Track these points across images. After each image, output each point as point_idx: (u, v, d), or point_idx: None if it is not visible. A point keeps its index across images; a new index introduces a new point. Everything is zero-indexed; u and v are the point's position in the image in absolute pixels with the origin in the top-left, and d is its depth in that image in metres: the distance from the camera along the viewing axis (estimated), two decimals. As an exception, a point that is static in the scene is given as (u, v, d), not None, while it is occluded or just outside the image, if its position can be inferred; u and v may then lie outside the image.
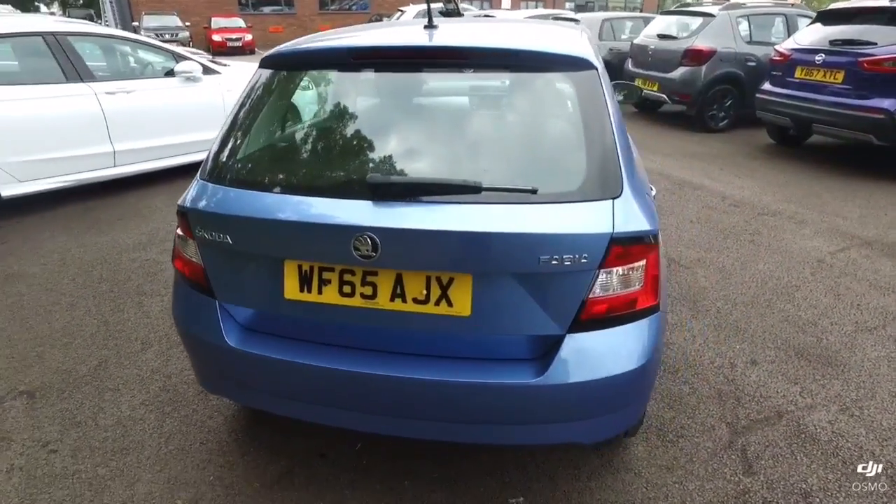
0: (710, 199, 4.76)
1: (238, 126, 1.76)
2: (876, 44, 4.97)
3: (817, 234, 3.98)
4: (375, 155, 1.63)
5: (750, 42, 6.90)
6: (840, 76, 5.16)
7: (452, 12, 11.45)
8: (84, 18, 29.50)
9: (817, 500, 1.88)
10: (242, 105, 1.80)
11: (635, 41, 7.68)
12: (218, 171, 1.68)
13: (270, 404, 1.77)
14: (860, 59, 4.99)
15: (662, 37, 7.34)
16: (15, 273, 3.58)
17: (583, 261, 1.42)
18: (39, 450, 2.15)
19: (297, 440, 2.14)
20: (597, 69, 1.68)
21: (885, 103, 4.81)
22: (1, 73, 4.49)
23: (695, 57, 6.74)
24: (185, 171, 5.15)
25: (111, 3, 22.21)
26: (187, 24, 20.52)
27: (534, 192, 1.43)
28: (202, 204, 1.63)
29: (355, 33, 2.03)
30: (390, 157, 1.59)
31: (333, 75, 1.85)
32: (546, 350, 1.50)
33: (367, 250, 1.42)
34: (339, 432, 2.01)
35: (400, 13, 14.79)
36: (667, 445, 2.10)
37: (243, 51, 20.21)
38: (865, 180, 5.21)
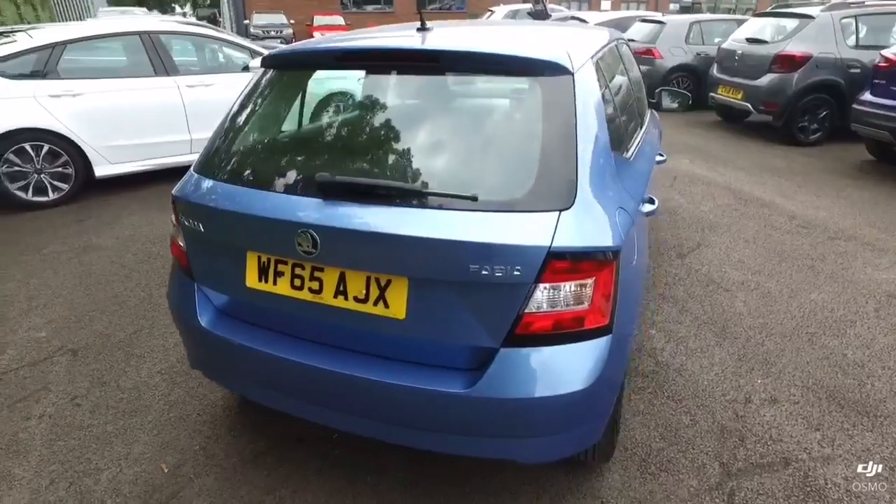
0: (776, 218, 4.35)
1: (229, 122, 1.87)
2: None
3: (897, 266, 3.53)
4: (333, 154, 1.67)
5: (857, 46, 6.18)
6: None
7: (540, 13, 11.41)
8: (208, 17, 32.34)
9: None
10: (239, 102, 1.92)
11: (723, 45, 7.15)
12: (205, 165, 1.81)
13: (231, 384, 1.88)
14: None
15: (752, 41, 6.77)
16: (92, 245, 4.03)
17: (515, 273, 1.37)
18: (68, 402, 2.42)
19: (280, 423, 2.25)
20: (572, 74, 1.61)
21: None
22: (101, 67, 5.05)
23: (785, 63, 6.15)
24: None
25: (229, 3, 24.16)
26: (292, 21, 21.83)
27: (473, 199, 1.41)
28: (186, 193, 1.76)
29: (353, 36, 2.08)
30: (346, 157, 1.63)
31: (317, 76, 1.92)
32: (482, 362, 1.47)
33: (308, 247, 1.47)
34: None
35: (490, 13, 14.80)
36: (646, 478, 1.98)
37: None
38: (979, 208, 4.53)
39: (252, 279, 1.66)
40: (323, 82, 1.92)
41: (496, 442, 1.54)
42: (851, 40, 6.21)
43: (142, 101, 4.99)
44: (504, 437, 1.52)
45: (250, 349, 1.68)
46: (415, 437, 1.61)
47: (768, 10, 7.42)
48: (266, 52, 5.87)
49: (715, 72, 7.22)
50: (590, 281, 1.43)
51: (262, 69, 1.95)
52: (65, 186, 4.81)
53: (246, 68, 5.61)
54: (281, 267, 1.60)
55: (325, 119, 1.80)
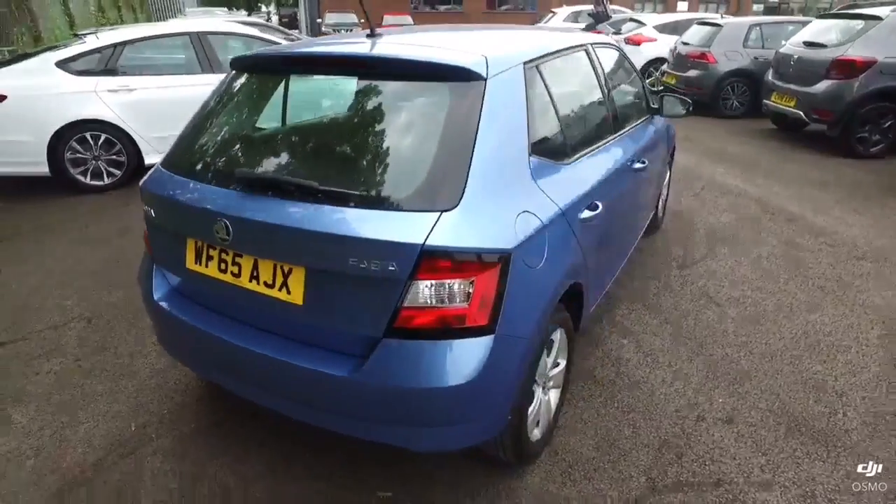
0: (800, 233, 4.09)
1: (194, 119, 2.06)
2: None
3: (924, 293, 3.23)
4: (259, 152, 1.81)
5: (935, 52, 5.62)
6: None
7: (601, 15, 11.31)
8: (291, 16, 33.97)
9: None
10: (205, 101, 2.11)
11: (780, 49, 6.71)
12: (167, 159, 2.00)
13: (179, 356, 2.07)
14: None
15: (809, 44, 6.31)
16: (129, 227, 4.44)
17: (391, 269, 1.45)
18: (72, 363, 2.73)
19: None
20: (485, 80, 1.66)
21: None
22: (154, 65, 5.52)
23: (844, 68, 5.70)
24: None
25: (305, 2, 25.29)
26: (362, 20, 22.53)
27: (359, 197, 1.50)
28: (146, 184, 1.96)
29: (310, 42, 2.22)
30: (269, 154, 1.76)
31: (266, 78, 2.06)
32: (368, 350, 1.56)
33: (224, 234, 1.62)
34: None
35: (551, 14, 14.66)
36: (566, 483, 1.98)
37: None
38: None
39: (190, 261, 1.83)
40: (267, 84, 2.05)
41: (383, 427, 1.62)
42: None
43: (189, 95, 5.35)
44: (389, 423, 1.60)
45: (189, 324, 1.85)
46: (314, 415, 1.72)
47: (833, 10, 6.89)
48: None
49: (770, 77, 6.80)
50: (468, 280, 1.48)
51: (231, 70, 2.13)
52: (118, 172, 5.30)
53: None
54: (211, 252, 1.76)
55: (264, 119, 1.95)
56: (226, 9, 20.66)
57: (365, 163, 1.67)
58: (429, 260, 1.44)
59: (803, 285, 3.34)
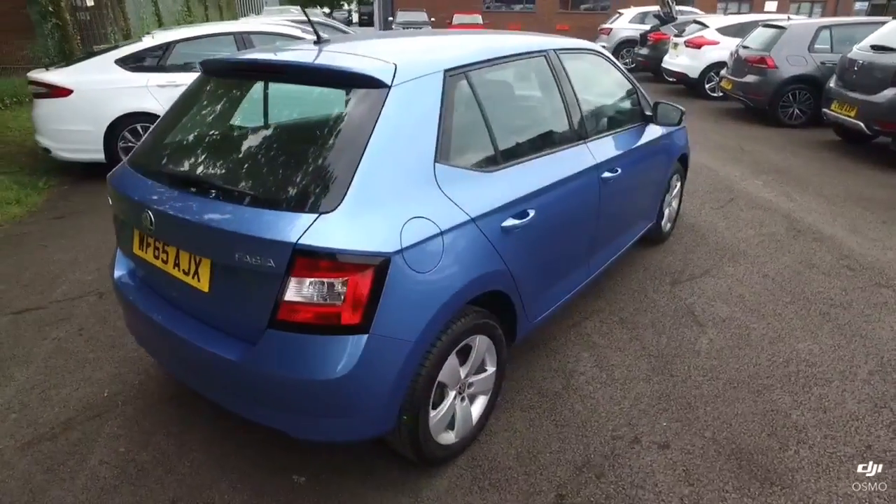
0: (822, 255, 3.77)
1: (161, 117, 2.24)
2: None
3: (949, 329, 2.90)
4: (187, 150, 1.95)
5: None
6: None
7: (667, 16, 11.03)
8: (369, 14, 35.00)
9: None
10: (176, 99, 2.29)
11: (847, 54, 6.13)
12: (132, 154, 2.20)
13: (130, 330, 2.26)
14: None
15: (878, 48, 5.73)
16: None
17: (269, 265, 1.54)
18: (75, 332, 3.04)
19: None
20: (388, 88, 1.70)
21: None
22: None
23: (912, 76, 5.15)
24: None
25: (379, 0, 25.97)
26: (432, 19, 22.82)
27: (254, 196, 1.60)
28: (111, 176, 2.16)
29: (258, 49, 2.33)
30: (193, 153, 1.90)
31: (217, 82, 2.19)
32: (257, 338, 1.66)
33: (149, 224, 1.78)
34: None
35: (618, 15, 14.21)
36: (472, 490, 1.99)
37: (475, 46, 21.66)
38: None
39: (136, 247, 2.01)
40: (219, 88, 2.19)
41: (267, 411, 1.72)
42: None
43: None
44: (272, 407, 1.70)
45: (133, 303, 2.04)
46: (214, 393, 1.86)
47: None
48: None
49: (831, 84, 6.25)
50: (342, 280, 1.54)
51: (200, 74, 2.30)
52: (164, 161, 5.76)
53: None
54: (149, 239, 1.93)
55: (204, 121, 2.08)
56: (299, 7, 21.57)
57: (264, 164, 1.78)
58: (302, 259, 1.52)
59: (804, 310, 3.10)
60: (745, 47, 7.83)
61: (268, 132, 1.86)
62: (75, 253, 4.01)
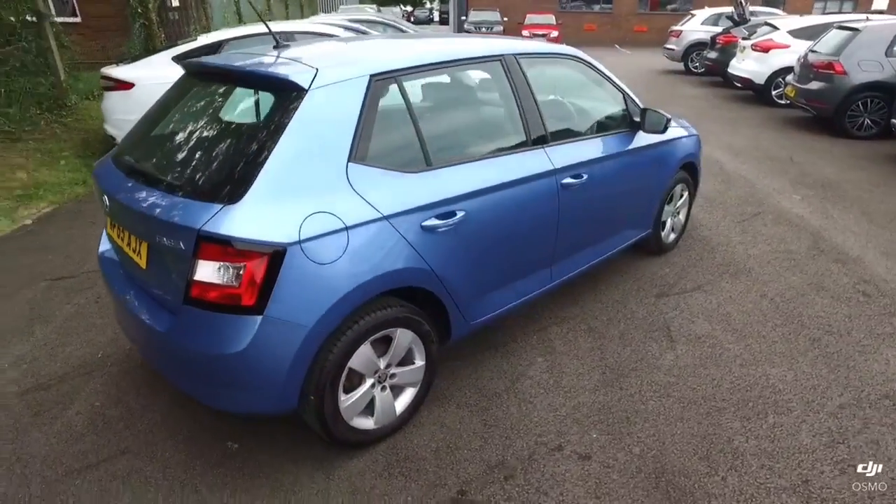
0: (837, 277, 3.48)
1: (144, 114, 2.49)
2: None
3: (960, 369, 2.61)
4: (146, 143, 2.17)
5: None
6: None
7: (740, 18, 10.62)
8: (445, 12, 35.47)
9: None
10: (161, 96, 2.53)
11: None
12: (115, 147, 2.46)
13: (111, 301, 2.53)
14: None
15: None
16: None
17: (181, 247, 1.71)
18: (93, 300, 3.39)
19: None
20: (305, 91, 1.83)
21: None
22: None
23: None
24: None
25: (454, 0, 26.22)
26: (505, 19, 22.75)
27: (177, 185, 1.80)
28: (96, 165, 2.43)
29: (229, 54, 2.52)
30: (150, 146, 2.13)
31: (193, 82, 2.38)
32: (178, 312, 1.84)
33: (106, 209, 2.01)
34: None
35: (690, 17, 13.54)
36: (382, 475, 2.07)
37: (546, 47, 21.38)
38: None
39: (108, 227, 2.27)
40: (191, 88, 2.39)
41: (185, 380, 1.91)
42: None
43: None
44: (190, 377, 1.88)
45: (106, 275, 2.30)
46: (152, 360, 2.07)
47: None
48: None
49: (903, 93, 5.67)
50: (240, 265, 1.68)
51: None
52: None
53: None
54: (115, 220, 2.17)
55: (170, 117, 2.27)
56: (375, 6, 22.26)
57: (193, 159, 1.97)
58: (206, 243, 1.68)
59: (793, 335, 2.90)
60: (813, 51, 7.25)
61: (208, 130, 2.04)
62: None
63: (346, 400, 2.02)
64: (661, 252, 3.76)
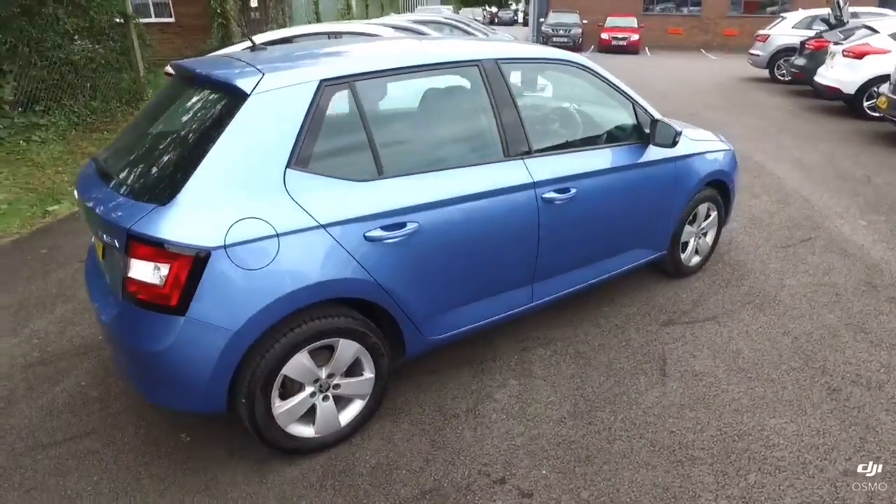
0: (886, 318, 3.02)
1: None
2: None
3: None
4: (118, 143, 2.25)
5: None
6: None
7: (837, 20, 9.84)
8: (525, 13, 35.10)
9: None
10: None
11: None
12: None
13: None
14: None
15: None
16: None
17: (116, 245, 1.77)
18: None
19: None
20: (247, 96, 1.82)
21: None
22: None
23: None
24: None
25: (535, 1, 25.83)
26: (584, 21, 22.09)
27: (122, 184, 1.89)
28: (85, 164, 2.56)
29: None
30: (119, 146, 2.20)
31: (175, 83, 2.41)
32: (119, 306, 1.91)
33: (77, 204, 2.12)
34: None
35: (780, 19, 12.45)
36: (314, 487, 2.03)
37: (626, 50, 20.56)
38: None
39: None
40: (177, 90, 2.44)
41: (132, 371, 1.96)
42: None
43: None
44: (129, 369, 1.96)
45: (88, 268, 2.42)
46: (111, 351, 2.14)
47: None
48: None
49: None
50: (165, 266, 1.70)
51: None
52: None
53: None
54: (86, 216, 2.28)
55: (145, 117, 2.33)
56: (451, 7, 22.35)
57: (143, 158, 2.02)
58: (135, 243, 1.72)
59: (808, 382, 2.55)
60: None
61: (164, 132, 2.08)
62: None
63: (281, 406, 2.00)
64: (680, 275, 3.46)
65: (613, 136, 2.85)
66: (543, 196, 2.41)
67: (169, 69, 2.51)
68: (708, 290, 3.39)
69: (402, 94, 2.41)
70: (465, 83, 2.38)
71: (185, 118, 2.04)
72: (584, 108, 2.92)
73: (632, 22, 21.60)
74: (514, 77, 3.22)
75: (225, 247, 1.73)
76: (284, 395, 2.02)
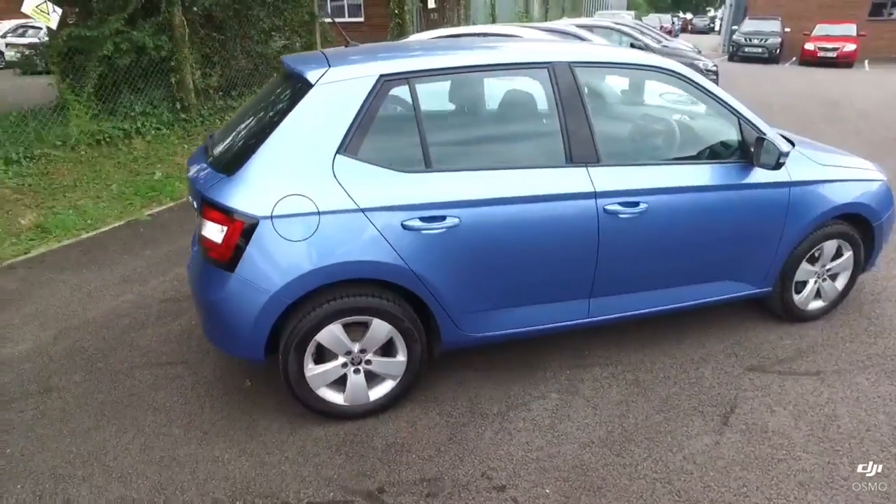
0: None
1: None
2: None
3: None
4: (227, 128, 2.56)
5: None
6: None
7: None
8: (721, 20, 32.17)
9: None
10: None
11: None
12: None
13: None
14: None
15: None
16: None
17: (195, 206, 2.12)
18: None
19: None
20: (312, 86, 2.05)
21: None
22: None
23: None
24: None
25: (730, 6, 23.50)
26: (787, 29, 19.49)
27: (212, 160, 2.26)
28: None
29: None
30: (227, 130, 2.53)
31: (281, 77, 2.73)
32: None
33: None
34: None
35: None
36: (328, 453, 2.20)
37: (836, 63, 17.70)
38: None
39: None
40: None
41: (200, 312, 2.30)
42: None
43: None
44: (200, 309, 2.28)
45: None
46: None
47: None
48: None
49: None
50: (225, 227, 1.99)
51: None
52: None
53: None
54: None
55: (256, 107, 2.55)
56: (633, 13, 21.29)
57: (234, 139, 2.32)
58: (206, 206, 2.04)
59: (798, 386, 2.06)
60: None
61: (253, 115, 2.39)
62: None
63: (314, 369, 2.21)
64: (792, 319, 2.98)
65: (712, 153, 2.58)
66: (606, 207, 2.29)
67: None
68: (824, 340, 2.88)
69: (464, 93, 2.47)
70: (533, 85, 2.35)
71: (268, 103, 2.34)
72: (681, 120, 2.68)
73: (849, 30, 18.50)
74: (620, 83, 3.08)
75: (272, 217, 1.97)
76: (319, 361, 2.22)
